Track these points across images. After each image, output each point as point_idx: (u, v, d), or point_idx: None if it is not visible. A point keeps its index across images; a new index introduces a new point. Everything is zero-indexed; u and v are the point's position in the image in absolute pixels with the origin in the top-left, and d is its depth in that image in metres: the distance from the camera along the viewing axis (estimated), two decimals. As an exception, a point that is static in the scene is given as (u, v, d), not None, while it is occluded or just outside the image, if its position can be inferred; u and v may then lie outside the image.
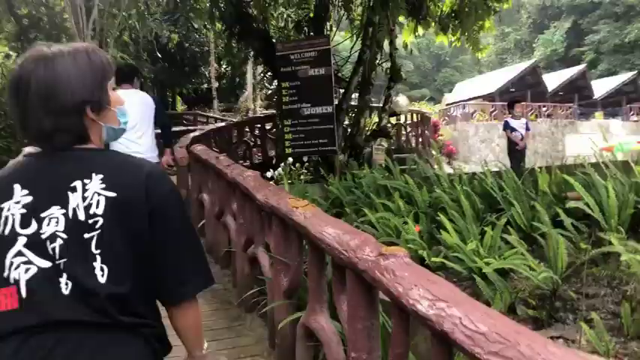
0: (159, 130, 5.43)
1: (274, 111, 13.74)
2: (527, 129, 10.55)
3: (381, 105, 10.07)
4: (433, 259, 3.66)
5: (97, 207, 1.25)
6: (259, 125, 12.27)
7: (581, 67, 36.69)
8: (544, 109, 30.31)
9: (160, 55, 20.72)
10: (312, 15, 10.50)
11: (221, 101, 23.21)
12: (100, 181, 1.28)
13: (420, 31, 12.59)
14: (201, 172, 5.95)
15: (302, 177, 9.68)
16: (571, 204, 3.79)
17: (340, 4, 10.64)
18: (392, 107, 10.25)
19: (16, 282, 1.21)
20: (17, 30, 18.65)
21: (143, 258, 1.29)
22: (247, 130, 12.27)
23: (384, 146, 10.35)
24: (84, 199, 1.26)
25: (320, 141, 9.09)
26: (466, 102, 30.18)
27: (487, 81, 34.87)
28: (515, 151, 10.15)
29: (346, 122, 10.02)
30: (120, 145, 5.22)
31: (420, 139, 13.49)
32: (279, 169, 10.53)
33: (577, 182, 3.94)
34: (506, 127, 10.32)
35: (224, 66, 23.97)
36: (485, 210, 4.36)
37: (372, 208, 4.68)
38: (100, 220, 1.25)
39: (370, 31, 9.12)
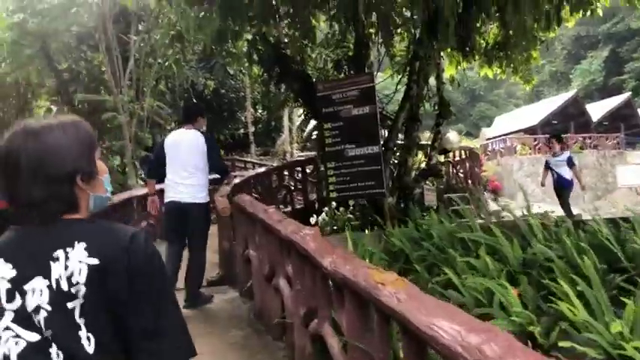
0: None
1: (314, 153, 13.30)
2: (571, 164, 10.07)
3: (430, 142, 9.49)
4: (550, 338, 2.89)
5: (80, 275, 1.25)
6: (300, 169, 11.79)
7: (626, 95, 35.50)
8: (589, 140, 29.21)
9: (196, 103, 20.74)
10: (351, 54, 10.10)
11: (258, 145, 22.99)
12: (83, 249, 1.27)
13: (464, 64, 12.13)
14: (247, 224, 5.39)
15: (349, 223, 9.12)
16: None
17: (381, 41, 10.24)
18: (442, 144, 9.65)
19: (7, 357, 1.22)
20: (57, 84, 18.92)
21: (121, 323, 1.28)
22: (287, 174, 11.82)
23: (433, 186, 9.71)
24: (66, 267, 1.25)
25: (366, 183, 8.53)
26: (507, 136, 29.33)
27: (527, 114, 33.98)
28: (558, 189, 9.92)
29: (393, 162, 9.46)
30: (167, 187, 5.21)
31: (470, 177, 12.83)
32: (323, 214, 9.99)
33: None
34: (546, 166, 10.44)
35: (260, 110, 23.85)
36: (605, 271, 3.58)
37: (449, 266, 4.00)
38: (83, 289, 1.24)
39: (417, 66, 8.63)
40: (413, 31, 9.45)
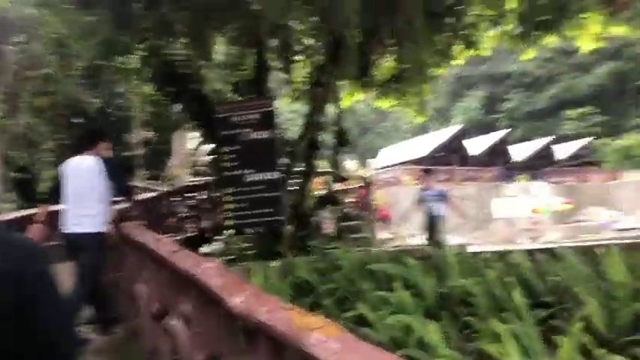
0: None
1: (207, 178, 12.75)
2: (443, 198, 9.66)
3: (329, 170, 9.38)
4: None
5: None
6: (192, 194, 11.21)
7: (502, 133, 38.21)
8: (470, 173, 30.95)
9: (79, 122, 19.33)
10: (250, 77, 9.82)
11: (147, 169, 21.88)
12: None
13: (358, 95, 12.31)
14: (135, 255, 4.84)
15: (245, 252, 8.71)
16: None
17: (280, 66, 10.07)
18: (339, 172, 9.57)
19: None
20: None
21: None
22: (178, 199, 11.17)
23: (331, 214, 9.58)
24: None
25: (265, 210, 8.22)
26: (397, 166, 30.36)
27: (414, 146, 35.47)
28: (428, 221, 9.56)
29: (292, 189, 9.23)
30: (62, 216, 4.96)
31: (365, 206, 12.91)
32: (217, 243, 9.51)
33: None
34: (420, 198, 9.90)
35: (149, 132, 22.79)
36: (530, 306, 3.30)
37: (361, 300, 3.74)
38: None
39: (319, 93, 8.51)
40: (315, 58, 9.37)
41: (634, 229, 30.03)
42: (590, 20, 10.05)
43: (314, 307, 4.09)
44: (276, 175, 8.20)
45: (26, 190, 17.36)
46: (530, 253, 3.78)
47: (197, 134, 13.46)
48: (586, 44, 10.85)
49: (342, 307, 3.93)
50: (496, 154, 34.95)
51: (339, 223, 9.58)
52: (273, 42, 9.80)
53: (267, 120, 8.28)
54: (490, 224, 28.37)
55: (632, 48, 48.94)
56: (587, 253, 3.52)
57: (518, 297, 3.04)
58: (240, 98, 9.44)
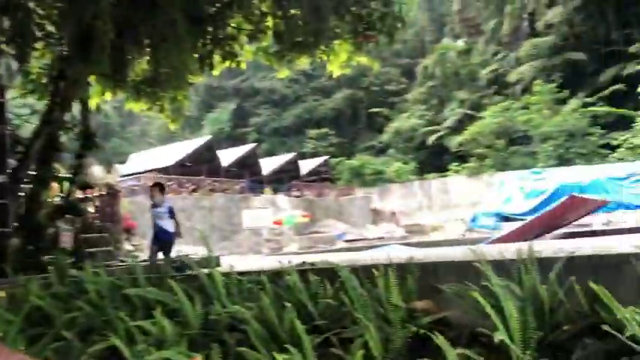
0: None
1: None
2: (172, 214, 8.31)
3: (71, 175, 8.32)
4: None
5: None
6: None
7: (252, 146, 39.46)
8: (219, 184, 31.20)
9: None
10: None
11: None
12: None
13: (107, 95, 11.37)
14: None
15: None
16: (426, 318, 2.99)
17: (13, 52, 8.64)
18: (84, 179, 8.57)
19: None
20: None
21: None
22: None
23: (70, 225, 8.51)
24: None
25: (-15, 220, 6.90)
26: (144, 174, 29.07)
27: (163, 154, 34.43)
28: (158, 240, 8.22)
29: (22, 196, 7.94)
30: None
31: (110, 216, 11.83)
32: None
33: (452, 290, 3.12)
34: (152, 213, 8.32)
35: None
36: (304, 331, 3.06)
37: (112, 330, 3.16)
38: None
39: (62, 87, 7.49)
40: (60, 48, 8.24)
41: (361, 239, 33.67)
42: (340, 47, 10.80)
43: (53, 342, 3.38)
44: (1, 178, 6.96)
45: None
46: (303, 272, 3.66)
47: None
48: (335, 69, 11.65)
49: (87, 339, 3.32)
50: (246, 167, 35.91)
51: (80, 236, 8.56)
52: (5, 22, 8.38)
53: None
54: (237, 235, 28.95)
55: (365, 78, 55.16)
56: (360, 272, 3.54)
57: (296, 323, 2.88)
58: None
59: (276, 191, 36.80)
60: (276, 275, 3.45)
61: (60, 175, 8.19)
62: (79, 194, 8.63)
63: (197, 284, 3.65)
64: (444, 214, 38.98)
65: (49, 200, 8.20)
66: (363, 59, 11.37)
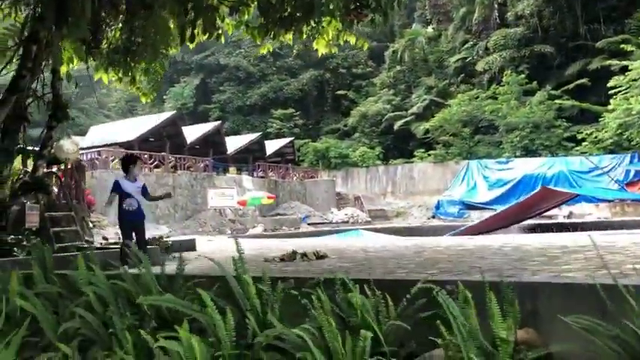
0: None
1: None
2: (145, 192, 7.56)
3: (39, 149, 7.61)
4: None
5: None
6: None
7: (217, 123, 38.49)
8: (183, 161, 30.30)
9: None
10: None
11: None
12: None
13: (76, 62, 10.61)
14: None
15: None
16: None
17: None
18: (54, 153, 7.88)
19: None
20: None
21: None
22: None
23: (36, 203, 7.81)
24: None
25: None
26: (104, 147, 27.96)
27: (125, 128, 33.17)
28: (129, 222, 7.35)
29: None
30: None
31: (76, 193, 11.07)
32: None
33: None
34: (117, 189, 7.31)
35: None
36: None
37: (120, 348, 2.57)
38: None
39: (33, 50, 6.77)
40: (31, 7, 7.47)
41: (325, 223, 33.43)
42: (329, 25, 10.29)
43: (43, 352, 2.80)
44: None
45: None
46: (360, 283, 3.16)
47: None
48: (321, 48, 11.15)
49: (87, 355, 2.76)
50: (210, 145, 34.98)
51: (45, 214, 7.88)
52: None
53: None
54: (201, 214, 28.18)
55: (332, 59, 54.51)
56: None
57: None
58: None
59: (240, 171, 36.09)
60: (322, 284, 2.95)
61: (26, 148, 7.47)
62: (46, 170, 7.92)
63: (217, 289, 3.11)
64: (409, 200, 39.08)
65: (13, 175, 7.49)
66: (351, 38, 10.91)
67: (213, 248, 11.42)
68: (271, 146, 41.34)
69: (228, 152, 36.45)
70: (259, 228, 27.86)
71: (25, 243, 7.31)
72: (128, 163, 7.38)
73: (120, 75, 11.45)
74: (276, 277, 3.18)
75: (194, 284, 3.16)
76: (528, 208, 18.03)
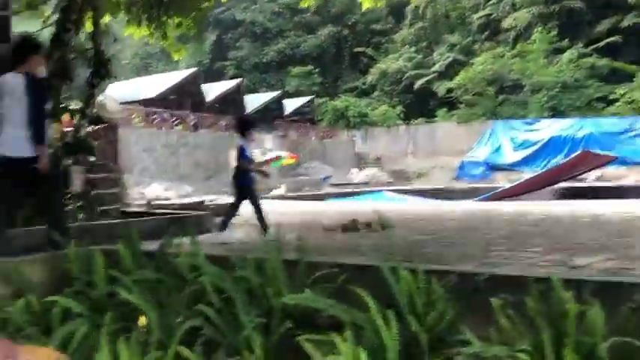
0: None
1: None
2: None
3: (80, 108, 7.16)
4: None
5: None
6: None
7: (237, 81, 37.80)
8: (204, 120, 29.85)
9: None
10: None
11: None
12: None
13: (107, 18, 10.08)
14: None
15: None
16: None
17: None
18: (97, 112, 7.44)
19: None
20: None
21: None
22: None
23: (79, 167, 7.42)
24: None
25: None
26: (125, 105, 27.49)
27: (145, 85, 32.61)
28: (248, 188, 7.06)
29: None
30: None
31: (112, 154, 10.70)
32: None
33: None
34: (244, 155, 7.02)
35: None
36: None
37: (249, 350, 2.10)
38: None
39: (79, 2, 6.25)
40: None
41: (347, 184, 33.02)
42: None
43: (155, 351, 2.37)
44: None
45: None
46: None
47: None
48: (366, 2, 10.56)
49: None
50: (228, 103, 34.44)
51: (89, 177, 7.50)
52: None
53: (1, 30, 5.77)
54: (223, 174, 27.81)
55: (351, 15, 53.13)
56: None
57: None
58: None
59: (261, 130, 35.54)
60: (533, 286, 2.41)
61: (69, 107, 7.03)
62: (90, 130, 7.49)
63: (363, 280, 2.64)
64: (430, 161, 38.44)
65: (56, 136, 7.08)
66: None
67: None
68: (290, 105, 40.67)
69: (248, 111, 35.88)
70: (282, 189, 27.47)
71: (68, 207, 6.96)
72: (247, 126, 7.12)
73: (152, 30, 10.97)
74: (433, 268, 2.70)
75: (326, 274, 2.70)
76: (566, 171, 17.45)
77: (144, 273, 2.83)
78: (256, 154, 29.17)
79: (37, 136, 4.60)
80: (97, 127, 9.83)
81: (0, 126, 4.65)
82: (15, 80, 4.62)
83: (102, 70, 7.06)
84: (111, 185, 9.29)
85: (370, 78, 49.37)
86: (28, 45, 4.89)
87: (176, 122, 28.37)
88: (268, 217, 6.75)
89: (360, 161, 39.75)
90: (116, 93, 33.20)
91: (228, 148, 27.54)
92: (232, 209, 7.09)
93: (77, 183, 7.12)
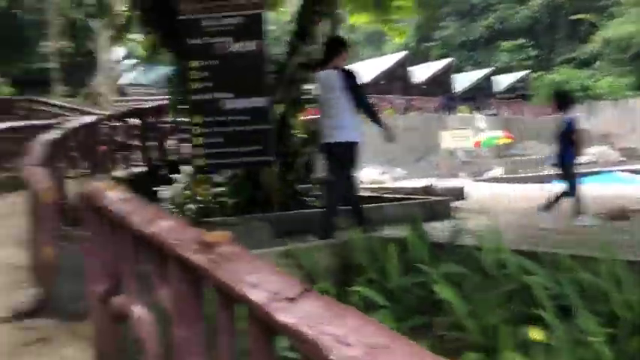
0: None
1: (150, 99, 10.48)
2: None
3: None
4: None
5: None
6: (142, 120, 8.92)
7: (447, 61, 37.05)
8: (413, 102, 29.74)
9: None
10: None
11: (65, 84, 18.64)
12: None
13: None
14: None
15: (218, 202, 6.82)
16: None
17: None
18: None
19: None
20: None
21: None
22: (119, 125, 8.90)
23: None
24: None
25: (248, 148, 6.27)
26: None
27: (358, 72, 33.52)
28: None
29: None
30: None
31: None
32: (176, 184, 7.51)
33: None
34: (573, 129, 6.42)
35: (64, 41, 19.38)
36: None
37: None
38: None
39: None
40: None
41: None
42: None
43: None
44: (263, 101, 6.23)
45: None
46: None
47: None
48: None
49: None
50: (437, 84, 33.88)
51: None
52: None
53: (256, 26, 6.19)
54: (432, 156, 27.54)
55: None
56: None
57: None
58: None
59: (471, 110, 34.37)
60: None
61: (312, 98, 7.34)
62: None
63: None
64: (669, 136, 33.56)
65: (300, 127, 7.46)
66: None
67: (482, 196, 10.51)
68: (501, 82, 38.61)
69: (456, 90, 34.91)
70: (498, 170, 26.16)
71: (314, 193, 7.30)
72: (566, 100, 6.73)
73: (375, 15, 11.06)
74: None
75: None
76: None
77: (449, 266, 2.69)
78: (468, 134, 28.31)
79: (373, 116, 5.15)
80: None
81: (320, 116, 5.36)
82: (330, 75, 5.09)
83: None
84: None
85: (591, 47, 44.65)
86: (337, 43, 5.41)
87: (387, 107, 28.71)
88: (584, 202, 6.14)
89: (584, 140, 36.21)
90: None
91: (437, 129, 26.95)
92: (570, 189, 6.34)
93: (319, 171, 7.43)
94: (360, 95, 5.11)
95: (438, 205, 6.76)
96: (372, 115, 5.21)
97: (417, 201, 7.00)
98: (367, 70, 32.40)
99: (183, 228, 1.84)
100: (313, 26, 6.63)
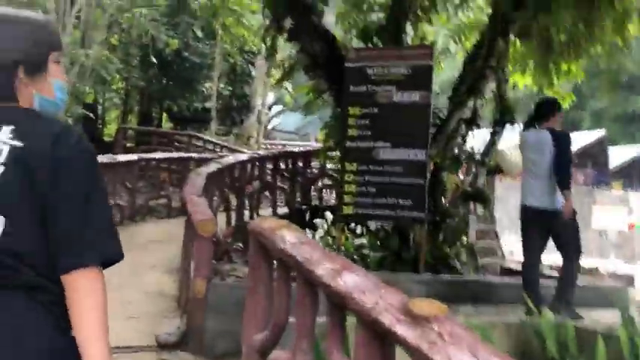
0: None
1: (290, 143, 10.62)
2: None
3: (481, 156, 7.01)
4: None
5: (0, 155, 1.22)
6: (289, 163, 9.03)
7: (600, 135, 34.67)
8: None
9: (154, 62, 17.27)
10: (385, 19, 7.42)
11: (220, 124, 19.85)
12: (10, 132, 1.24)
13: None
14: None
15: (361, 253, 6.56)
16: None
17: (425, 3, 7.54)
18: (495, 160, 7.22)
19: None
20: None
21: (45, 214, 1.21)
22: (270, 167, 9.05)
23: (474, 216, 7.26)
24: None
25: (401, 201, 5.96)
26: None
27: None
28: None
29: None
30: None
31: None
32: (320, 230, 7.39)
33: None
34: None
35: (222, 84, 20.69)
36: None
37: None
38: (1, 169, 1.21)
39: (499, 47, 6.12)
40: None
41: None
42: None
43: None
44: (422, 155, 5.93)
45: (89, 129, 15.81)
46: None
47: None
48: None
49: None
50: (587, 155, 31.57)
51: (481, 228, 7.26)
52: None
53: (423, 77, 5.97)
54: (583, 233, 25.35)
55: None
56: None
57: None
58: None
59: (626, 187, 31.56)
60: None
61: (471, 154, 6.94)
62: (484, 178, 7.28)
63: None
64: None
65: (453, 185, 7.05)
66: None
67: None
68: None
69: (611, 166, 32.33)
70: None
71: (460, 257, 6.79)
72: None
73: (538, 77, 10.44)
74: None
75: None
76: None
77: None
78: (623, 213, 25.88)
79: (563, 182, 4.77)
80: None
81: (525, 177, 5.16)
82: (542, 136, 4.87)
83: (506, 117, 6.80)
84: (490, 237, 8.97)
85: None
86: (552, 104, 5.29)
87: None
88: None
89: None
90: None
91: (587, 205, 24.89)
92: None
93: (472, 233, 6.93)
94: (566, 161, 4.84)
95: (614, 292, 5.92)
96: (567, 185, 4.82)
97: (589, 285, 6.15)
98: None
99: (379, 287, 1.62)
100: (482, 81, 6.27)
